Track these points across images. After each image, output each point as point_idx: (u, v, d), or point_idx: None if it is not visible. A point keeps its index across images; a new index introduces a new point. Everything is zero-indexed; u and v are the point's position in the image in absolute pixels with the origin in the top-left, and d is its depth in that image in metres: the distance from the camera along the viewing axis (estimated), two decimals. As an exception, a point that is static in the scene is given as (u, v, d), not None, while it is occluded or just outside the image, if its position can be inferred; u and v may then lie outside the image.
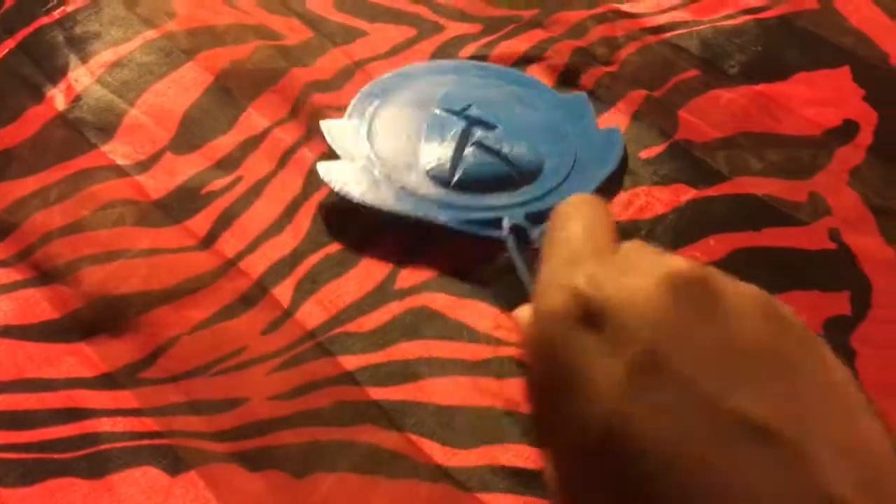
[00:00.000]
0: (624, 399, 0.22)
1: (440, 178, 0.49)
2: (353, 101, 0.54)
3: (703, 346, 0.22)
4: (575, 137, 0.53)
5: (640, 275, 0.23)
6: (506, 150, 0.50)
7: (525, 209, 0.48)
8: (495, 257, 0.47)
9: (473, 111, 0.52)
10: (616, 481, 0.22)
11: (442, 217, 0.47)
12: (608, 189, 0.51)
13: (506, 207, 0.48)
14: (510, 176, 0.50)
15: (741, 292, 0.23)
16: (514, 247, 0.45)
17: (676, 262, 0.23)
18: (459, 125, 0.51)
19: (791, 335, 0.23)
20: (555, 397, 0.24)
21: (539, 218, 0.47)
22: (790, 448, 0.20)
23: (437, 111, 0.52)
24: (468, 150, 0.50)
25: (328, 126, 0.53)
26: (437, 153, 0.50)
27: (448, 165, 0.49)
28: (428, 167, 0.50)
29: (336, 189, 0.49)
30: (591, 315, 0.23)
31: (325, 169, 0.50)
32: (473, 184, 0.49)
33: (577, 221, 0.27)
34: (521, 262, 0.44)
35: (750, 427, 0.21)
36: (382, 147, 0.51)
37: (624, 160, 0.53)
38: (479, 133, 0.51)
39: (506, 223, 0.47)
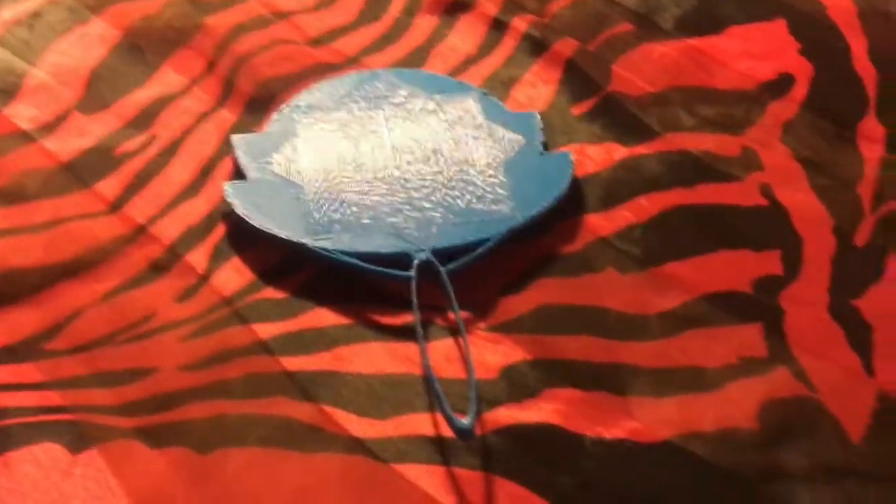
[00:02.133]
0: None
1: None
2: (274, 117, 0.50)
3: None
4: (518, 162, 0.48)
5: None
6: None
7: (435, 243, 0.44)
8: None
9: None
10: None
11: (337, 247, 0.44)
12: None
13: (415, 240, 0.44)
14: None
15: None
16: (415, 291, 0.41)
17: None
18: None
19: None
20: None
21: (454, 253, 0.43)
22: None
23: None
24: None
25: (239, 141, 0.48)
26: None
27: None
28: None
29: (239, 212, 0.45)
30: None
31: (232, 190, 0.45)
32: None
33: None
34: (417, 309, 0.41)
35: None
36: (305, 171, 0.47)
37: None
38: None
39: (415, 260, 0.42)
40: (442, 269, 0.43)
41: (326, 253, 0.44)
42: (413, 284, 0.42)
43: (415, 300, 0.41)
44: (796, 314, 0.43)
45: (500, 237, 0.44)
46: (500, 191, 0.46)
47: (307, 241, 0.44)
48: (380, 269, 0.43)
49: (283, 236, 0.44)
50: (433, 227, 0.45)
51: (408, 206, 0.46)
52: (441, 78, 0.53)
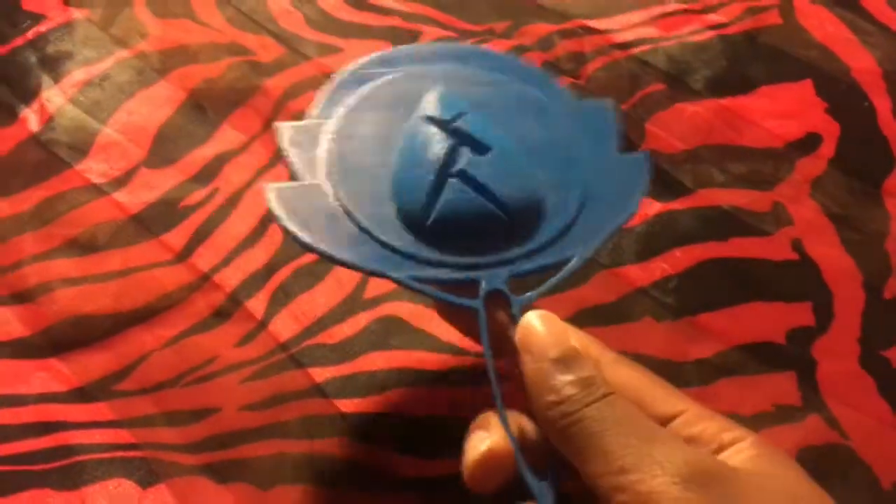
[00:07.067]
0: None
1: (412, 220, 0.35)
2: (318, 94, 0.40)
3: None
4: (589, 164, 0.39)
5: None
6: (497, 186, 0.35)
7: (510, 269, 0.35)
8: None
9: (462, 124, 0.36)
10: None
11: (403, 275, 0.34)
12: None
13: (486, 265, 0.35)
14: (497, 221, 0.35)
15: None
16: (485, 323, 0.34)
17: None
18: (443, 144, 0.36)
19: None
20: None
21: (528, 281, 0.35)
22: None
23: (419, 118, 0.37)
24: (450, 183, 0.35)
25: (284, 130, 0.38)
26: (410, 183, 0.36)
27: (421, 204, 0.35)
28: (399, 204, 0.36)
29: (284, 226, 0.35)
30: None
31: (275, 195, 0.36)
32: (452, 229, 0.35)
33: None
34: (487, 343, 0.34)
35: None
36: (347, 165, 0.37)
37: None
38: (465, 158, 0.36)
39: (483, 288, 0.34)
40: (514, 298, 0.34)
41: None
42: (481, 315, 0.34)
43: (485, 336, 0.34)
44: (828, 364, 0.45)
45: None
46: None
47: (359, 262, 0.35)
48: (444, 295, 0.35)
49: (330, 255, 0.35)
50: None
51: None
52: None
